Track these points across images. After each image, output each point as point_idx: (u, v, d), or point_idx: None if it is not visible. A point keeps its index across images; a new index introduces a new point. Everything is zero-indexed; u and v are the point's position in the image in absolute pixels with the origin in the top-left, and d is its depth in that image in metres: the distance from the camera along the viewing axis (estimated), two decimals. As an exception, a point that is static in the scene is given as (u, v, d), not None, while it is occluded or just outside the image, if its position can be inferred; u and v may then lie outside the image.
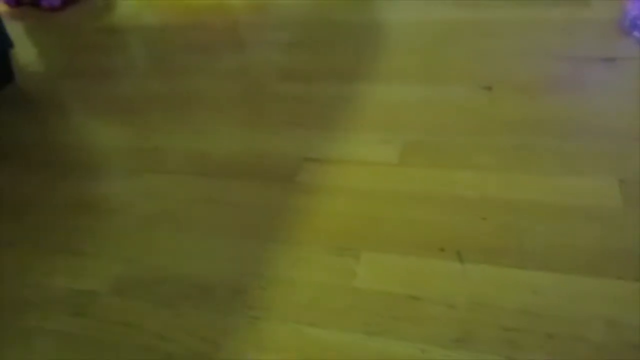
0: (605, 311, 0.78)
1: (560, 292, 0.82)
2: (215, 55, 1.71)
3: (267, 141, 1.26)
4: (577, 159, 1.07)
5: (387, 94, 1.37)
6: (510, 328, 0.78)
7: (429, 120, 1.24)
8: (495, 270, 0.87)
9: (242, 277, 0.94)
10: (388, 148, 1.17)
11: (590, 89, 1.28)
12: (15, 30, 2.12)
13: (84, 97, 1.61)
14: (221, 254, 0.99)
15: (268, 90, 1.47)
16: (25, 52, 1.97)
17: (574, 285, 0.83)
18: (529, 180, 1.03)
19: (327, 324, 0.84)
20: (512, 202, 0.99)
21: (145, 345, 0.85)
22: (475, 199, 1.01)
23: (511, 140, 1.14)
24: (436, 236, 0.95)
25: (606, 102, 1.22)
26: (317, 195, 1.08)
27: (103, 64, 1.79)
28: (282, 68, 1.57)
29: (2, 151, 1.42)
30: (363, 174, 1.12)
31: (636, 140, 1.09)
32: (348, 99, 1.36)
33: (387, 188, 1.07)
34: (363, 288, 0.88)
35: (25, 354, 0.88)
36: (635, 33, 1.45)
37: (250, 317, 0.87)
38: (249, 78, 1.55)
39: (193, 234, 1.05)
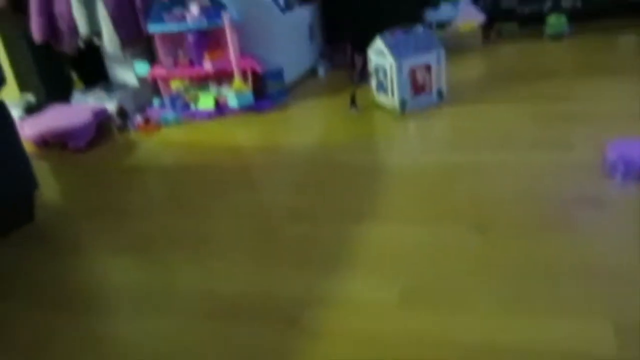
0: None
1: None
2: (228, 195, 1.83)
3: (273, 282, 1.32)
4: (569, 301, 1.11)
5: (387, 235, 1.45)
6: None
7: (427, 262, 1.30)
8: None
9: None
10: (388, 290, 1.22)
11: (579, 231, 1.35)
12: (41, 169, 2.28)
13: (100, 236, 1.69)
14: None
15: (276, 231, 1.56)
16: (49, 190, 2.10)
17: None
18: (523, 324, 1.07)
19: None
20: (507, 347, 1.01)
21: None
22: (471, 343, 1.04)
23: (506, 283, 1.19)
24: (438, 383, 0.96)
25: (595, 244, 1.29)
26: (319, 340, 1.11)
27: (121, 203, 1.91)
28: (290, 208, 1.68)
29: (17, 289, 1.47)
30: (363, 316, 1.15)
31: (627, 283, 1.14)
32: (351, 240, 1.44)
33: (387, 332, 1.10)
34: None
35: None
36: (617, 176, 1.56)
37: None
38: (259, 218, 1.64)
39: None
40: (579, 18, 3.46)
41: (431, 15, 3.47)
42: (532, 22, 3.57)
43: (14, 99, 2.88)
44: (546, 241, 1.32)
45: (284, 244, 1.48)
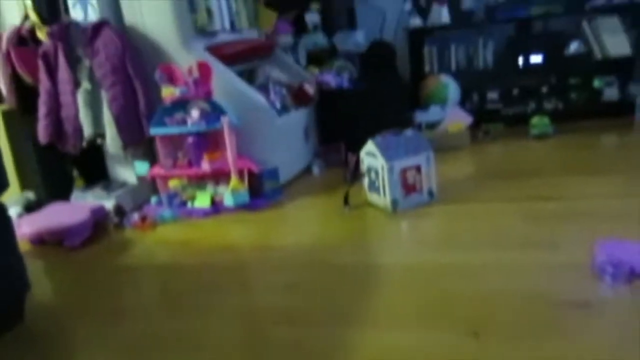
0: None
1: None
2: (221, 296, 1.82)
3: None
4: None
5: (380, 339, 1.43)
6: None
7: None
8: None
9: None
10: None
11: (571, 334, 1.35)
12: (35, 268, 2.28)
13: (92, 338, 1.66)
14: None
15: (269, 334, 1.54)
16: (41, 289, 2.09)
17: None
18: None
19: None
20: None
21: None
22: None
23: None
24: None
25: (588, 347, 1.28)
26: None
27: (114, 303, 1.89)
28: (283, 309, 1.67)
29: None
30: None
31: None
32: (344, 345, 1.42)
33: None
34: None
35: None
36: (606, 277, 1.58)
37: None
38: (252, 321, 1.63)
39: None
40: (561, 119, 3.64)
41: (421, 116, 3.64)
42: (517, 123, 3.74)
43: (15, 197, 2.94)
44: (539, 345, 1.31)
45: (276, 349, 1.46)
